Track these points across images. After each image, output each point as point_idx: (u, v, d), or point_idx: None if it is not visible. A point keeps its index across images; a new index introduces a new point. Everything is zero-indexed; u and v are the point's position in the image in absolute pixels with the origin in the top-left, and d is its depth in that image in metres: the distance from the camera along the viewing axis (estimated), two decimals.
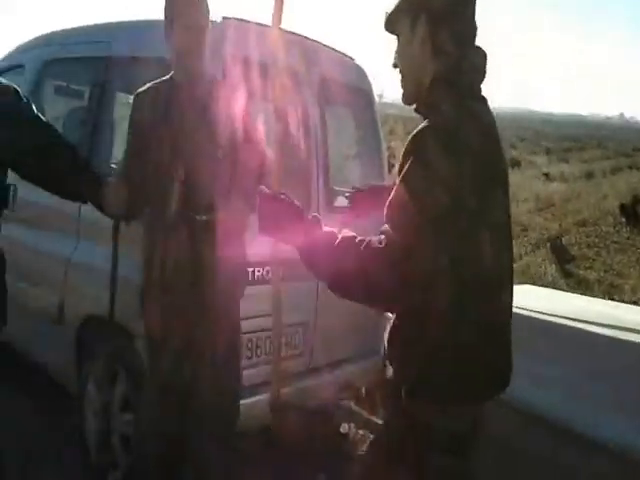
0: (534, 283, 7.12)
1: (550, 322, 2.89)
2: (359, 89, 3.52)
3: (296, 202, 1.61)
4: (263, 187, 1.67)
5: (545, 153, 30.37)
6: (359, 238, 1.47)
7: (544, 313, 2.92)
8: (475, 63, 1.58)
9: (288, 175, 3.43)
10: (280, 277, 1.85)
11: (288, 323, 3.08)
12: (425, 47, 1.55)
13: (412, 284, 1.41)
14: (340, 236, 1.50)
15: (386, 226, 1.45)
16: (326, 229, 1.55)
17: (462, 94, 1.52)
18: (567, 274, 7.76)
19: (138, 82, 2.87)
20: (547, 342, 2.74)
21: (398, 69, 1.62)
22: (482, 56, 1.60)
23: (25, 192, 2.86)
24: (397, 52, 1.62)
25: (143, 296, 2.59)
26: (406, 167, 1.44)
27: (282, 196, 1.62)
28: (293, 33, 3.04)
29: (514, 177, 17.06)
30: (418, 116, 1.58)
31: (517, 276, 5.62)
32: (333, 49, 3.37)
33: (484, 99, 1.60)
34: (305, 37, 3.10)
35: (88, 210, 2.88)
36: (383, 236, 1.43)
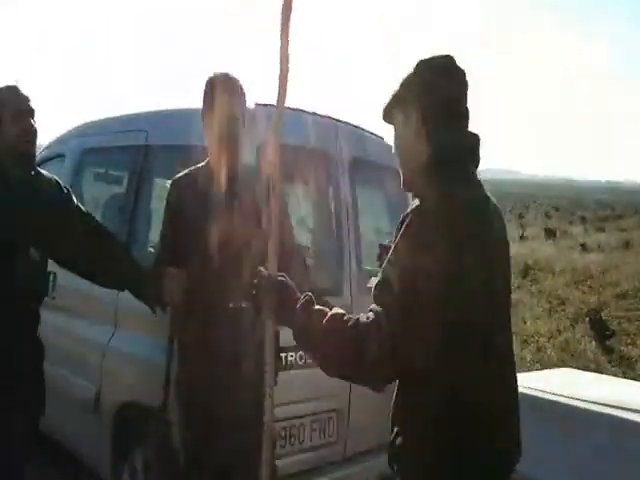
0: (574, 361, 6.92)
1: (593, 411, 2.75)
2: (389, 167, 3.58)
3: (290, 283, 1.68)
4: (261, 269, 1.72)
5: (581, 222, 30.10)
6: (347, 316, 1.52)
7: (586, 401, 2.76)
8: (467, 148, 1.66)
9: (321, 257, 3.46)
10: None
11: (322, 410, 3.04)
12: (418, 137, 1.64)
13: (400, 362, 1.47)
14: (329, 315, 1.55)
15: (374, 305, 1.49)
16: (317, 308, 1.60)
17: (453, 178, 1.58)
18: (608, 351, 7.50)
19: (174, 169, 2.98)
20: (587, 433, 2.61)
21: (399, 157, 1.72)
22: (474, 140, 1.67)
23: (64, 279, 2.93)
24: (394, 142, 1.72)
25: (180, 382, 2.57)
26: (392, 249, 1.52)
27: (280, 278, 1.69)
28: (322, 115, 3.13)
29: (549, 248, 16.89)
30: None
31: (556, 353, 5.46)
32: (362, 129, 3.45)
33: (478, 181, 1.66)
34: (334, 119, 3.17)
35: (125, 298, 2.93)
36: (371, 313, 1.47)
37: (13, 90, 2.51)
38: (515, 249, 15.99)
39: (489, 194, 1.67)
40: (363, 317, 1.49)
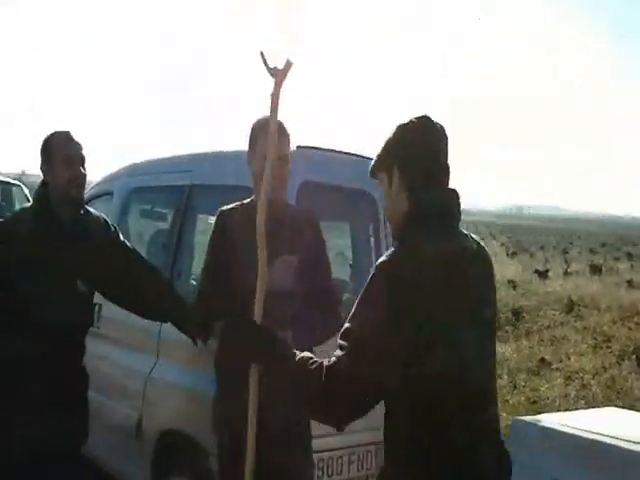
0: (620, 399, 6.74)
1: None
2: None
3: (268, 330, 1.87)
4: (247, 317, 1.93)
5: (627, 258, 29.37)
6: (313, 360, 1.71)
7: (633, 442, 2.63)
8: (444, 205, 1.78)
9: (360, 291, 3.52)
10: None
11: (361, 443, 3.06)
12: (399, 196, 1.78)
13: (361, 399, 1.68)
14: (298, 358, 1.74)
15: (338, 351, 1.67)
16: (294, 352, 1.77)
17: (430, 233, 1.72)
18: None
19: (215, 207, 3.09)
20: (634, 476, 2.51)
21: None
22: (453, 197, 1.81)
23: (109, 310, 3.06)
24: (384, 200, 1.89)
25: (218, 412, 2.63)
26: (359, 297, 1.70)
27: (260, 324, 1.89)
28: (362, 156, 3.20)
29: (594, 285, 16.51)
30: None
31: (601, 390, 5.34)
32: None
33: (459, 234, 1.81)
34: (362, 156, 3.24)
35: (167, 329, 3.04)
36: (334, 358, 1.66)
37: (64, 136, 2.64)
38: (559, 285, 15.72)
39: (475, 244, 1.82)
40: (326, 361, 1.68)
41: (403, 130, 1.80)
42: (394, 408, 1.72)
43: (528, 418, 2.95)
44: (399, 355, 1.61)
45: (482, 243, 1.89)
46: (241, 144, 2.68)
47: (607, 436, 2.57)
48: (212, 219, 2.77)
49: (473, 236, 1.87)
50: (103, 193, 4.10)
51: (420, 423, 1.67)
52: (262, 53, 1.97)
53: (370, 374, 1.62)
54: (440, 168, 1.80)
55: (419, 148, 1.77)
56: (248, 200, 2.62)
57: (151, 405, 3.27)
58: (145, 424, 3.29)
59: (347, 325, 1.68)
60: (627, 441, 2.56)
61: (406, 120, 1.81)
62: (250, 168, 2.56)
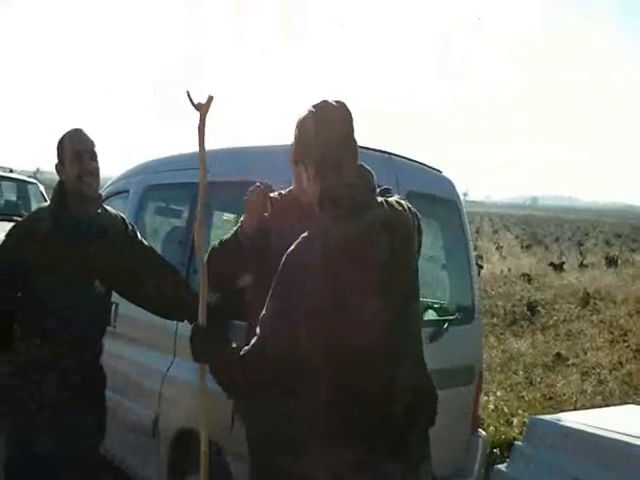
0: (637, 395, 6.68)
1: None
2: (446, 200, 3.62)
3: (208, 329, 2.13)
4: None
5: None
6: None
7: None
8: (352, 185, 1.91)
9: None
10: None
11: None
12: (311, 182, 1.95)
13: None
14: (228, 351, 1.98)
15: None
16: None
17: (336, 215, 1.88)
18: None
19: (232, 204, 3.07)
20: None
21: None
22: (364, 176, 1.94)
23: (125, 309, 3.06)
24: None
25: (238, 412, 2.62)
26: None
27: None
28: (376, 149, 3.18)
29: (610, 277, 16.36)
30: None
31: (618, 386, 5.27)
32: (418, 162, 3.49)
33: (369, 209, 1.91)
34: (389, 152, 3.22)
35: (184, 328, 3.03)
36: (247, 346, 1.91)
37: (74, 132, 2.63)
38: (574, 278, 15.61)
39: (391, 212, 1.93)
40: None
41: (303, 123, 1.96)
42: (306, 384, 1.88)
43: (547, 417, 2.93)
44: (303, 336, 1.82)
45: (403, 207, 2.00)
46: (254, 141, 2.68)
47: (627, 435, 2.55)
48: (228, 215, 2.76)
49: (395, 202, 1.98)
50: (119, 191, 4.10)
51: (335, 390, 1.85)
52: (188, 92, 2.18)
53: (275, 357, 1.84)
54: (342, 150, 1.92)
55: (316, 139, 1.92)
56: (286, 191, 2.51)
57: (168, 404, 3.28)
58: (161, 423, 3.30)
59: (262, 313, 1.88)
60: None
61: (305, 112, 1.97)
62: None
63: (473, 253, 3.80)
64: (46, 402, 2.55)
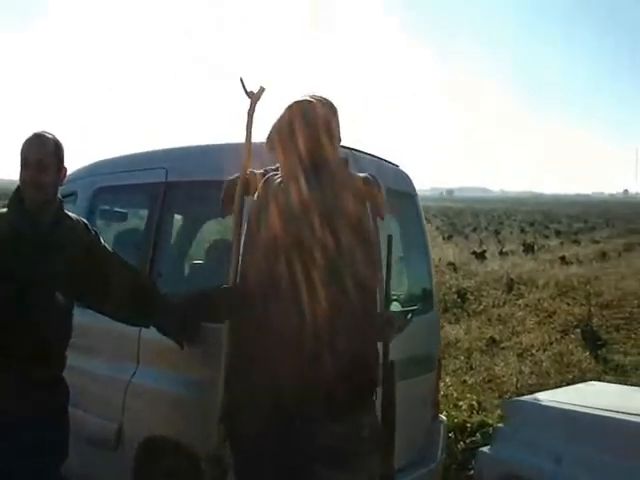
0: (569, 372, 7.03)
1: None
2: (404, 193, 3.68)
3: None
4: None
5: (556, 236, 30.54)
6: None
7: (625, 412, 2.78)
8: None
9: None
10: None
11: None
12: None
13: None
14: None
15: None
16: None
17: None
18: (603, 360, 7.64)
19: (194, 205, 3.00)
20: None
21: None
22: None
23: (81, 319, 2.93)
24: None
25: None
26: None
27: None
28: (343, 146, 3.19)
29: (529, 263, 17.11)
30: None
31: (551, 364, 5.53)
32: (378, 157, 3.53)
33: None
34: (349, 148, 3.23)
35: (148, 334, 2.96)
36: None
37: (30, 138, 2.52)
38: (497, 265, 16.22)
39: None
40: None
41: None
42: None
43: (524, 398, 3.05)
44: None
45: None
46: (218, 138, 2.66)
47: (601, 409, 2.69)
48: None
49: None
50: (64, 195, 3.91)
51: None
52: (241, 79, 2.37)
53: None
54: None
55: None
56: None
57: (132, 413, 3.17)
58: (126, 433, 3.19)
59: None
60: (621, 412, 2.67)
61: None
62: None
63: (430, 244, 3.89)
64: (5, 420, 2.41)
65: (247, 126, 2.43)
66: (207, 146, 3.13)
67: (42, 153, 2.48)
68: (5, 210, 2.58)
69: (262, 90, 2.42)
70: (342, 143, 3.25)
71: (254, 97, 2.41)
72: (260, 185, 2.32)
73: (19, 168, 2.51)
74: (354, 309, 2.25)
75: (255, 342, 2.24)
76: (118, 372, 3.25)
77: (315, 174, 2.22)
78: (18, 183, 2.53)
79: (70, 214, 2.71)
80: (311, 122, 2.20)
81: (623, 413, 2.69)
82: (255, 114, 2.43)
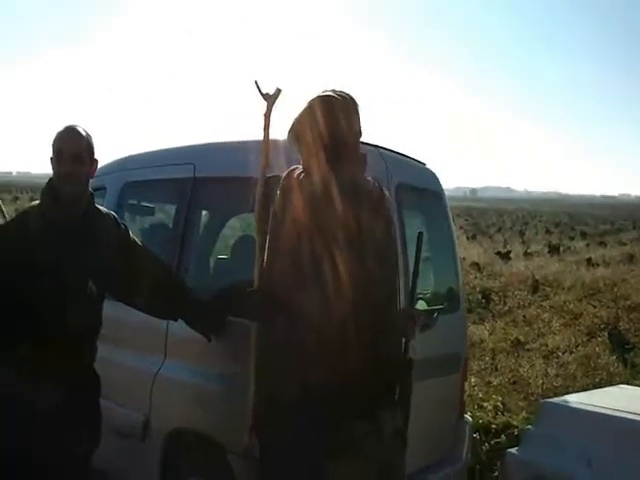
0: (596, 375, 6.93)
1: None
2: (432, 192, 3.66)
3: None
4: None
5: (582, 237, 30.18)
6: None
7: None
8: None
9: None
10: None
11: None
12: None
13: None
14: None
15: None
16: None
17: None
18: (631, 364, 7.51)
19: (222, 201, 2.99)
20: None
21: None
22: None
23: (110, 310, 2.96)
24: None
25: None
26: None
27: None
28: (370, 144, 3.19)
29: (555, 264, 16.90)
30: None
31: (577, 367, 5.44)
32: (406, 156, 3.51)
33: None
34: (378, 146, 3.23)
35: (175, 327, 2.98)
36: None
37: (63, 130, 2.55)
38: (522, 265, 16.06)
39: None
40: None
41: None
42: None
43: (555, 400, 3.01)
44: None
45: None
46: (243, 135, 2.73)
47: (632, 413, 2.64)
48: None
49: None
50: (94, 189, 3.95)
51: None
52: (256, 82, 2.42)
53: None
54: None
55: None
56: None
57: (159, 405, 3.19)
58: (153, 425, 3.21)
59: None
60: None
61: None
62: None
63: (457, 243, 3.86)
64: (39, 410, 2.45)
65: (264, 128, 2.48)
66: (235, 142, 3.14)
67: (78, 146, 2.52)
68: (37, 202, 2.61)
69: (278, 92, 2.46)
70: (368, 140, 3.26)
71: (270, 99, 2.45)
72: (283, 177, 2.33)
73: (52, 161, 2.54)
74: (380, 299, 2.26)
75: (284, 333, 2.24)
76: (146, 364, 3.27)
77: (336, 157, 2.23)
78: (50, 176, 2.56)
79: (100, 207, 2.74)
80: (331, 112, 2.22)
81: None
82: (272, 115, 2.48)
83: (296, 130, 2.28)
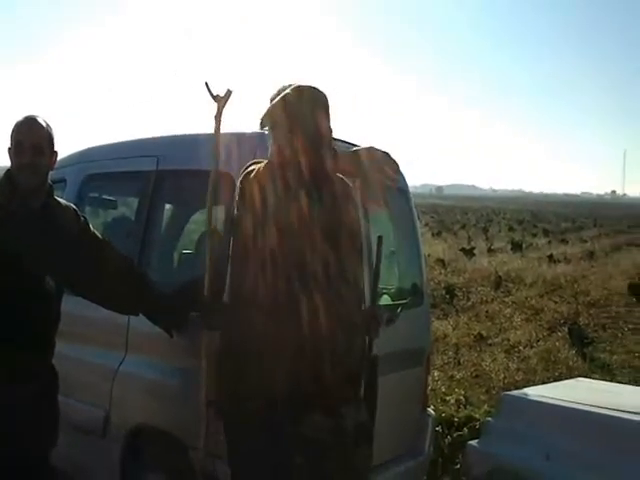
0: (556, 369, 7.07)
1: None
2: (397, 188, 3.65)
3: None
4: None
5: (544, 235, 30.75)
6: None
7: (608, 408, 2.82)
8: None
9: None
10: None
11: None
12: None
13: None
14: None
15: None
16: None
17: None
18: (589, 359, 7.68)
19: (186, 195, 2.95)
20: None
21: None
22: None
23: (70, 306, 2.90)
24: None
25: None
26: None
27: None
28: (338, 139, 3.16)
29: (517, 261, 17.22)
30: None
31: (538, 361, 5.58)
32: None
33: None
34: (347, 142, 3.21)
35: (137, 322, 2.94)
36: None
37: (23, 121, 2.49)
38: (486, 262, 16.33)
39: None
40: None
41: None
42: None
43: (515, 392, 3.06)
44: None
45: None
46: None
47: (590, 405, 2.70)
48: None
49: None
50: (54, 181, 3.87)
51: None
52: (206, 83, 2.38)
53: None
54: None
55: None
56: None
57: (120, 401, 3.14)
58: (113, 421, 3.16)
59: None
60: (610, 409, 2.70)
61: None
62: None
63: (422, 239, 3.89)
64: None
65: (215, 130, 2.46)
66: (200, 135, 3.09)
67: (38, 137, 2.47)
68: None
69: (229, 93, 2.42)
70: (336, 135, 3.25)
71: (221, 101, 2.42)
72: (242, 175, 2.31)
73: (10, 152, 2.48)
74: (349, 311, 2.28)
75: (247, 344, 2.25)
76: (106, 360, 3.21)
77: (314, 147, 2.25)
78: (8, 167, 2.50)
79: (60, 200, 2.68)
80: (311, 103, 2.24)
81: (611, 409, 2.72)
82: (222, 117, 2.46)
83: (272, 116, 2.26)
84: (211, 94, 2.42)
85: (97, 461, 3.29)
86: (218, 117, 2.43)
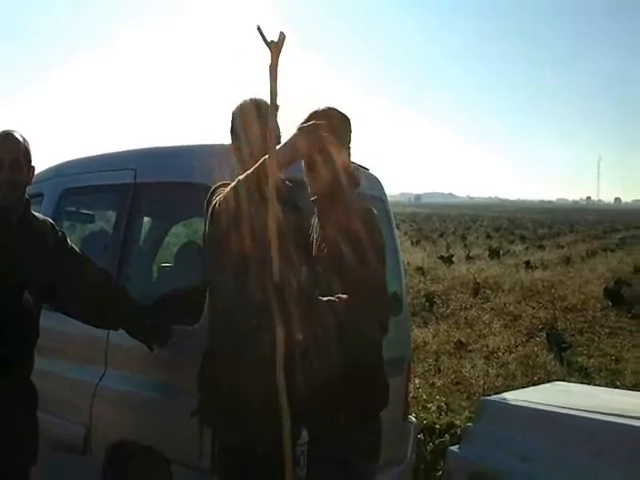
0: (535, 374, 7.15)
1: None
2: (374, 197, 3.70)
3: None
4: None
5: (521, 241, 31.05)
6: None
7: (585, 410, 2.85)
8: None
9: None
10: None
11: None
12: None
13: None
14: None
15: None
16: None
17: None
18: (567, 363, 7.78)
19: (164, 207, 2.96)
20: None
21: None
22: None
23: (50, 321, 2.89)
24: None
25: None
26: None
27: None
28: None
29: (495, 267, 17.37)
30: None
31: (517, 366, 5.64)
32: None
33: None
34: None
35: (116, 337, 2.93)
36: None
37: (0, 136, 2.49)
38: (464, 269, 16.45)
39: None
40: None
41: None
42: None
43: (495, 397, 3.09)
44: None
45: None
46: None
47: (568, 408, 2.74)
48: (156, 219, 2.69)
49: None
50: (31, 195, 3.85)
51: None
52: (259, 27, 2.01)
53: None
54: None
55: None
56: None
57: (100, 417, 3.12)
58: (94, 438, 3.13)
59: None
60: (586, 411, 2.75)
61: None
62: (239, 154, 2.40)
63: (400, 248, 3.92)
64: None
65: (271, 82, 2.05)
66: (177, 147, 3.11)
67: (16, 152, 2.47)
68: None
69: (283, 37, 2.02)
70: None
71: (276, 47, 2.02)
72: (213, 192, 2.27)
73: None
74: (325, 320, 2.26)
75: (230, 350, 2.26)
76: (86, 376, 3.20)
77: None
78: None
79: (37, 214, 2.68)
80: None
81: (588, 412, 2.75)
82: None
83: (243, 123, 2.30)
84: (265, 40, 2.02)
85: (78, 478, 3.26)
86: (274, 67, 2.02)
